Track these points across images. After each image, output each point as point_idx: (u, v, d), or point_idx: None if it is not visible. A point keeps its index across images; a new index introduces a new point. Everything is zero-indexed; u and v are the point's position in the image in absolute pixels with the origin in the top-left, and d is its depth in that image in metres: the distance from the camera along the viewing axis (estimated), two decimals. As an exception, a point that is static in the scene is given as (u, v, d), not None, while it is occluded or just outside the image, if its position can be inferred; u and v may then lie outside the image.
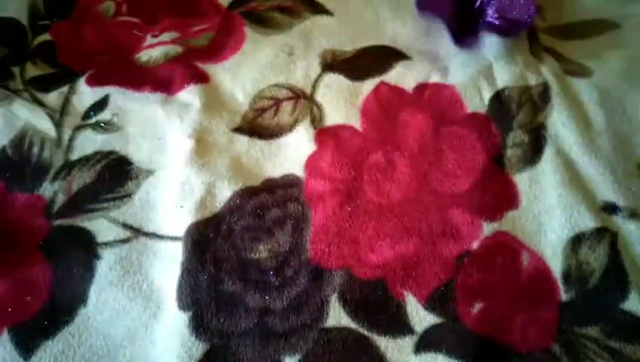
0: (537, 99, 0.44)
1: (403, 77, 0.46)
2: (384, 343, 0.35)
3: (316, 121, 0.44)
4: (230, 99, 0.45)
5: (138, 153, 0.43)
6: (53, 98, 0.46)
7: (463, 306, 0.36)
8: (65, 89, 0.47)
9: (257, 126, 0.44)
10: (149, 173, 0.42)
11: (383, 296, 0.36)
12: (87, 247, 0.39)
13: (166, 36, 0.50)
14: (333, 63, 0.47)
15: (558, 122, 0.43)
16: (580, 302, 0.36)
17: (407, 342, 0.35)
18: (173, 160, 0.42)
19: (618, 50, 0.47)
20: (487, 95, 0.44)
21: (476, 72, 0.46)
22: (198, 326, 0.35)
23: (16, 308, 0.36)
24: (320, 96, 0.45)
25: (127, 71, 0.48)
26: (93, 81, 0.47)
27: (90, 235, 0.39)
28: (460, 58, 0.47)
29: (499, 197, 0.39)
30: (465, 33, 0.47)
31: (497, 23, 0.45)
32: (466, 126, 0.43)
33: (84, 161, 0.43)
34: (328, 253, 0.37)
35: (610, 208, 0.39)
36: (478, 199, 0.39)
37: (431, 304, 0.36)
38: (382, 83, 0.45)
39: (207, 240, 0.38)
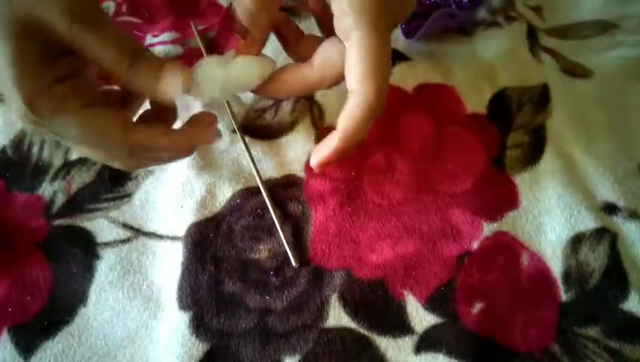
0: (537, 100, 0.44)
1: (403, 77, 0.46)
2: (384, 343, 0.35)
3: (316, 121, 0.44)
4: (231, 99, 0.45)
5: (138, 153, 0.43)
6: (53, 98, 0.46)
7: (463, 306, 0.36)
8: (65, 89, 0.47)
9: (258, 126, 0.44)
10: (149, 173, 0.42)
11: (383, 296, 0.36)
12: (87, 247, 0.39)
13: (166, 36, 0.50)
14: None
15: (558, 122, 0.43)
16: (580, 302, 0.36)
17: (407, 342, 0.35)
18: (174, 160, 0.42)
19: (618, 50, 0.47)
20: (487, 95, 0.44)
21: (476, 72, 0.46)
22: (199, 326, 0.35)
23: (16, 308, 0.36)
24: (320, 96, 0.45)
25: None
26: (93, 81, 0.47)
27: (90, 235, 0.39)
28: (460, 58, 0.47)
29: (499, 197, 0.39)
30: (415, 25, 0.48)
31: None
32: (466, 126, 0.43)
33: (84, 160, 0.43)
34: (328, 253, 0.37)
35: (610, 208, 0.39)
36: (479, 199, 0.39)
37: (431, 304, 0.36)
38: (382, 83, 0.45)
39: (207, 240, 0.38)
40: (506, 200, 0.39)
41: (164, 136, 0.29)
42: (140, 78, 0.27)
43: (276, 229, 0.38)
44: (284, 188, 0.40)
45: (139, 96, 0.32)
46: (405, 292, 0.36)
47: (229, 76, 0.31)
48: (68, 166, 0.42)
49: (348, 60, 0.29)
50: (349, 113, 0.30)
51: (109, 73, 0.28)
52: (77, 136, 0.27)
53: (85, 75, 0.29)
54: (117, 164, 0.32)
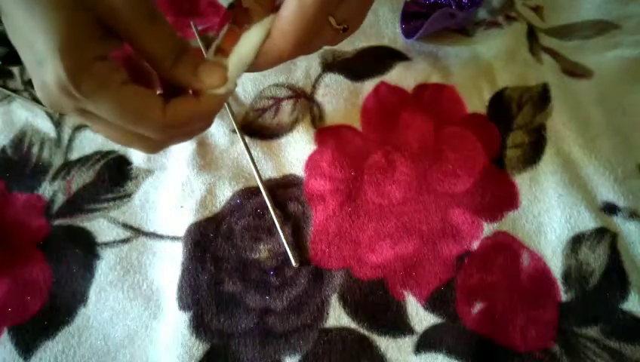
0: (537, 100, 0.44)
1: (403, 77, 0.46)
2: (384, 343, 0.35)
3: (316, 121, 0.44)
4: (230, 99, 0.45)
5: (137, 153, 0.43)
6: (53, 98, 0.46)
7: (463, 306, 0.36)
8: (65, 89, 0.47)
9: (258, 126, 0.44)
10: (149, 173, 0.42)
11: (383, 297, 0.36)
12: (87, 247, 0.39)
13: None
14: (333, 63, 0.47)
15: (558, 122, 0.43)
16: (579, 302, 0.36)
17: (408, 342, 0.35)
18: (174, 161, 0.42)
19: (618, 50, 0.47)
20: (487, 95, 0.44)
21: (476, 72, 0.46)
22: (199, 326, 0.35)
23: (16, 308, 0.36)
24: (320, 96, 0.45)
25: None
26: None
27: (90, 235, 0.39)
28: (460, 58, 0.47)
29: (499, 197, 0.39)
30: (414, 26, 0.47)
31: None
32: (466, 126, 0.43)
33: (84, 160, 0.43)
34: (328, 253, 0.37)
35: (610, 208, 0.39)
36: (479, 199, 0.39)
37: (431, 304, 0.36)
38: (382, 83, 0.45)
39: (207, 240, 0.38)
40: (506, 200, 0.39)
41: (198, 104, 0.29)
42: (180, 75, 0.28)
43: (276, 229, 0.38)
44: (284, 188, 0.40)
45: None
46: (405, 293, 0.36)
47: (244, 52, 0.31)
48: (68, 166, 0.42)
49: None
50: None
51: (152, 65, 0.28)
52: (114, 113, 0.27)
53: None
54: (139, 146, 0.31)
